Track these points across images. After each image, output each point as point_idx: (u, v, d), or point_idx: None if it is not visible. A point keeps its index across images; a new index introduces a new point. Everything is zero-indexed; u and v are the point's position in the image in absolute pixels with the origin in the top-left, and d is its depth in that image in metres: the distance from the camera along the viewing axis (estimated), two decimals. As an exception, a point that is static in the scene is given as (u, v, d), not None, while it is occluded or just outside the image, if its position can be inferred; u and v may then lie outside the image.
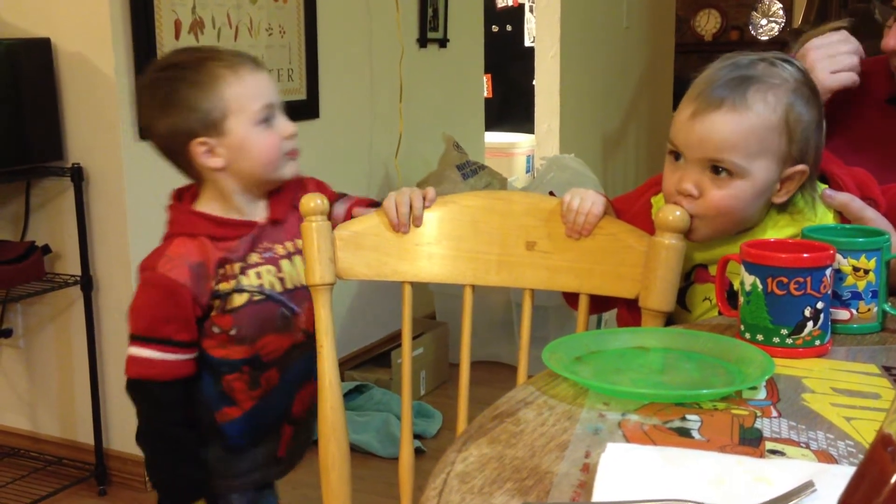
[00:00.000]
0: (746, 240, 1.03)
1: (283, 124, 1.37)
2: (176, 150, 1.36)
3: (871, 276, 0.99)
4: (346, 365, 3.01)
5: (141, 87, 1.41)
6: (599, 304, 1.21)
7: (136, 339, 1.34)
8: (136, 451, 2.41)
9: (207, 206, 1.38)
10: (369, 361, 3.11)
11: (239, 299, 1.36)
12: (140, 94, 1.44)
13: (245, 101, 1.32)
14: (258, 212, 1.40)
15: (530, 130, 4.70)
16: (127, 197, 2.30)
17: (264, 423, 1.43)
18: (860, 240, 1.00)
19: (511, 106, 5.41)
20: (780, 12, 7.05)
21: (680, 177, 1.09)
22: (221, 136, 1.32)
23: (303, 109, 2.86)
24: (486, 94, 5.45)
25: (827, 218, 1.13)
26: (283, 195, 1.42)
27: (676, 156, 1.10)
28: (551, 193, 3.32)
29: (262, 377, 1.40)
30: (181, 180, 1.43)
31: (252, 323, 1.37)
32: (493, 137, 5.07)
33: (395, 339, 3.15)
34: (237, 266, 1.36)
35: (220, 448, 1.42)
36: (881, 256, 0.99)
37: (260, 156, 1.34)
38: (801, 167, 1.08)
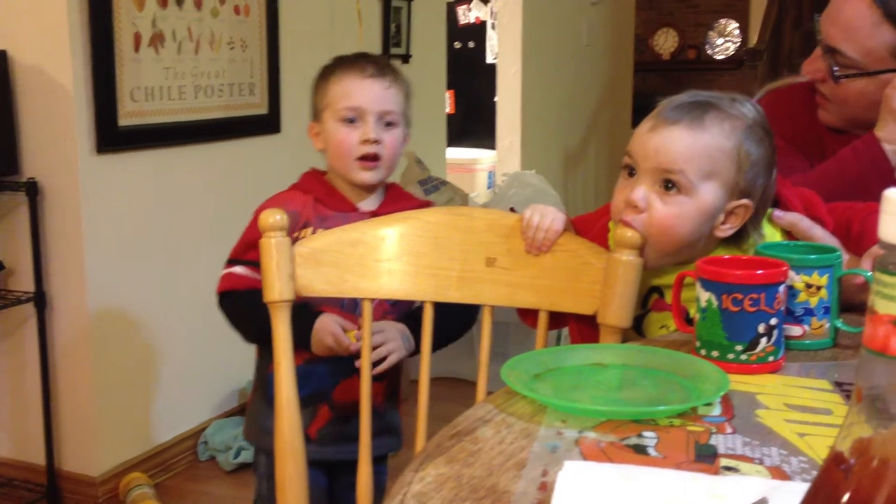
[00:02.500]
0: None
1: (364, 129, 1.48)
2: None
3: (824, 292, 1.01)
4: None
5: None
6: (553, 320, 1.22)
7: (228, 261, 1.51)
8: (89, 471, 2.39)
9: (332, 178, 1.54)
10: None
11: None
12: None
13: (337, 98, 1.48)
14: (368, 203, 1.53)
15: (492, 146, 4.72)
16: (83, 212, 2.26)
17: (303, 389, 1.44)
18: (812, 256, 1.01)
19: (473, 122, 5.43)
20: (736, 32, 7.17)
21: (630, 189, 1.10)
22: (321, 124, 1.52)
23: (264, 124, 2.85)
24: (448, 110, 5.48)
25: None
26: (400, 199, 1.54)
27: (630, 171, 1.12)
28: (512, 210, 3.33)
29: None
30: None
31: None
32: (456, 153, 5.09)
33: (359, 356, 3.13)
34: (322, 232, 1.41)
35: (263, 395, 1.52)
36: (833, 273, 1.01)
37: (335, 150, 1.50)
38: (746, 201, 1.09)
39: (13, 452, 2.48)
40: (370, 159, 1.48)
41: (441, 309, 1.27)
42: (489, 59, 5.54)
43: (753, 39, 6.30)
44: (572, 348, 1.00)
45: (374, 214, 1.48)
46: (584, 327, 1.20)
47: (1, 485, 2.42)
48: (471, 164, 5.21)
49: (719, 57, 7.20)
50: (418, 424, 1.24)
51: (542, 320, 1.21)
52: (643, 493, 0.66)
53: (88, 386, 2.36)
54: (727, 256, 1.04)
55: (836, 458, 0.43)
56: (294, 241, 1.36)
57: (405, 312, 1.49)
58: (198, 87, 2.56)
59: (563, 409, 0.85)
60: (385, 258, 1.25)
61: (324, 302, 1.43)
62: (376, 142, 1.47)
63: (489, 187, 5.20)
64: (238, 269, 1.49)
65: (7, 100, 2.23)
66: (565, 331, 1.27)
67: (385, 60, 1.58)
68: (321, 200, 1.52)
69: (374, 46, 3.36)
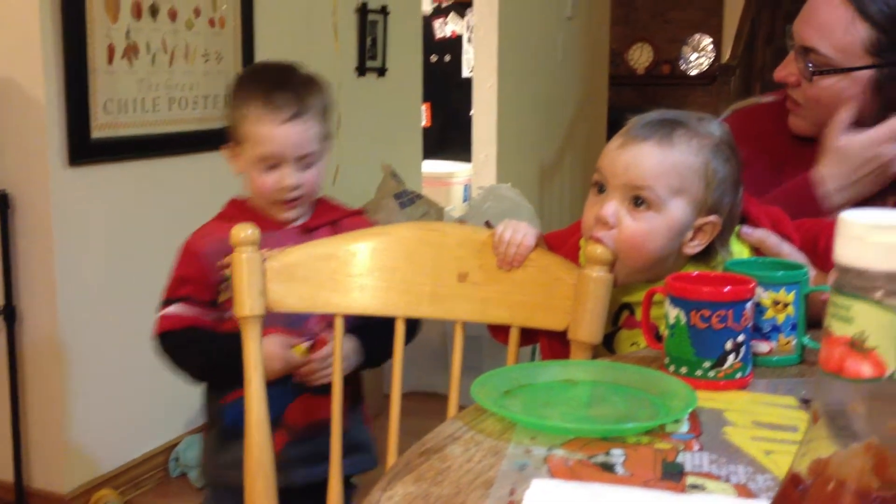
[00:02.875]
0: None
1: (283, 174, 1.44)
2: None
3: (791, 309, 1.01)
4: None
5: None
6: (524, 336, 1.22)
7: (162, 303, 1.46)
8: (58, 488, 2.36)
9: (255, 202, 1.51)
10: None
11: None
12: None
13: (254, 143, 1.43)
14: (298, 218, 1.50)
15: (468, 159, 4.73)
16: (55, 225, 2.24)
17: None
18: (780, 273, 1.02)
19: (449, 135, 5.45)
20: (710, 47, 7.24)
21: (601, 206, 1.11)
22: (238, 151, 1.48)
23: (238, 137, 2.84)
24: (424, 123, 5.49)
25: None
26: (330, 210, 1.53)
27: (600, 188, 1.13)
28: (487, 223, 3.34)
29: None
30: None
31: None
32: (432, 166, 5.10)
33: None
34: None
35: (218, 430, 1.49)
36: (800, 290, 1.02)
37: (254, 190, 1.48)
38: (713, 218, 1.11)
39: (-19, 468, 2.44)
40: (291, 200, 1.46)
41: (384, 323, 1.27)
42: (465, 73, 5.56)
43: (727, 55, 6.38)
44: (542, 365, 1.00)
45: (305, 228, 1.49)
46: (555, 343, 1.20)
47: (-32, 501, 2.39)
48: (447, 177, 5.22)
49: (693, 72, 7.27)
50: (389, 440, 1.24)
51: (514, 336, 1.21)
52: (610, 512, 0.67)
53: (58, 401, 2.33)
54: (696, 273, 1.05)
55: (793, 479, 0.43)
56: (227, 276, 1.38)
57: (356, 325, 1.45)
58: (172, 98, 2.55)
59: (532, 427, 0.85)
60: (357, 273, 1.25)
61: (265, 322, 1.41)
62: (293, 189, 1.45)
63: (465, 200, 5.21)
64: (172, 309, 1.45)
65: (-23, 111, 2.21)
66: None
67: (302, 88, 1.47)
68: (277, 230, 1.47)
69: (349, 59, 3.37)
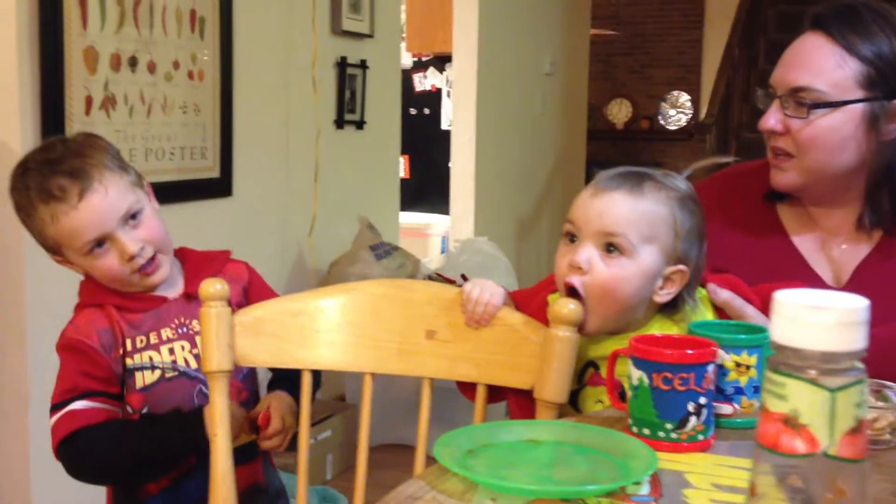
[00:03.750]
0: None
1: (118, 247, 1.30)
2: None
3: (753, 371, 1.03)
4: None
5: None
6: (492, 394, 1.22)
7: (56, 406, 1.32)
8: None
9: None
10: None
11: (150, 376, 1.34)
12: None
13: (66, 238, 1.30)
14: (172, 287, 1.39)
15: (447, 211, 4.76)
16: (26, 271, 2.23)
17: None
18: (742, 336, 1.04)
19: (428, 187, 5.48)
20: (688, 104, 7.36)
21: (574, 253, 1.13)
22: (67, 258, 1.35)
23: (215, 187, 2.85)
24: (403, 175, 5.53)
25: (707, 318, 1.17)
26: (202, 270, 1.39)
27: (571, 238, 1.15)
28: (463, 276, 3.35)
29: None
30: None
31: (166, 401, 1.34)
32: (410, 218, 5.12)
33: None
34: (144, 340, 1.34)
35: None
36: (762, 353, 1.03)
37: (104, 277, 1.34)
38: (682, 267, 1.13)
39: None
40: (147, 265, 1.33)
41: (288, 374, 1.28)
42: (444, 126, 5.61)
43: (704, 112, 6.49)
44: (507, 424, 1.01)
45: (188, 295, 1.38)
46: (523, 401, 1.21)
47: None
48: (424, 228, 5.24)
49: (672, 128, 7.38)
50: (356, 494, 1.24)
51: (481, 394, 1.21)
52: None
53: (27, 440, 2.30)
54: (659, 335, 1.06)
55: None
56: (122, 357, 1.32)
57: (278, 376, 1.43)
58: (149, 149, 2.56)
59: (493, 488, 0.85)
60: (326, 329, 1.25)
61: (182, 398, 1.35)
62: (139, 253, 1.31)
63: (443, 252, 5.22)
64: (80, 405, 1.30)
65: (-47, 159, 2.21)
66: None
67: (73, 158, 1.30)
68: (123, 307, 1.35)
69: (328, 112, 3.40)
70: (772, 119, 1.35)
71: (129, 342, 1.34)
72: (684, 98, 7.37)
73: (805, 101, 1.30)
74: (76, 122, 2.30)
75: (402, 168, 5.47)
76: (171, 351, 1.35)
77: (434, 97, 5.73)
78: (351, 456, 3.14)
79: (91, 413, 1.31)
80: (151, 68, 2.54)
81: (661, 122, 7.43)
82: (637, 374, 0.98)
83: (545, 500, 0.84)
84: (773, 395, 0.41)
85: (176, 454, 1.33)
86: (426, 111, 5.75)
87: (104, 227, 1.29)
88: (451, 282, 3.13)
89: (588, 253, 1.12)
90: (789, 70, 1.34)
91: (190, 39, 2.69)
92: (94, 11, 2.34)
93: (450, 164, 4.66)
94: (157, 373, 1.34)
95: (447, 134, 4.76)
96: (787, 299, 0.41)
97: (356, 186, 3.62)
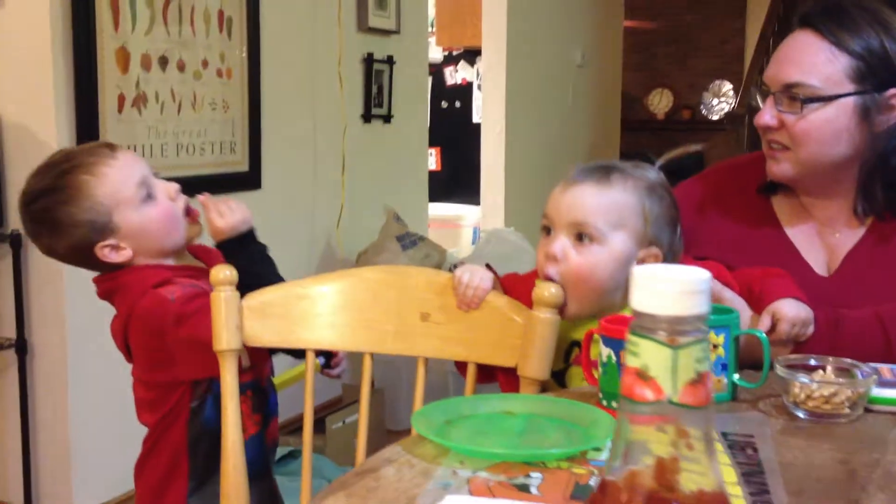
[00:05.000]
0: None
1: (164, 188, 1.43)
2: (85, 260, 1.43)
3: (721, 350, 1.09)
4: (282, 430, 3.05)
5: (25, 223, 1.43)
6: (484, 373, 1.30)
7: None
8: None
9: (165, 261, 1.45)
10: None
11: None
12: (27, 229, 1.43)
13: (117, 192, 1.37)
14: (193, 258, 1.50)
15: (479, 202, 4.84)
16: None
17: (266, 450, 1.49)
18: (711, 317, 1.10)
19: (460, 179, 5.56)
20: (731, 93, 7.32)
21: (548, 246, 1.20)
22: (118, 232, 1.39)
23: (244, 181, 2.96)
24: (435, 167, 5.61)
25: None
26: (217, 256, 1.48)
27: (548, 231, 1.23)
28: (487, 265, 3.42)
29: (259, 401, 1.47)
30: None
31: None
32: (441, 209, 5.21)
33: (331, 406, 3.20)
34: None
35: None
36: (730, 333, 1.10)
37: (160, 229, 1.41)
38: (654, 250, 1.20)
39: (-10, 496, 2.54)
40: (190, 212, 1.47)
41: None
42: (475, 119, 5.69)
43: (745, 102, 6.46)
44: (484, 397, 1.08)
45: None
46: (512, 379, 1.28)
47: (-24, 528, 2.48)
48: (456, 219, 5.32)
49: (715, 117, 7.33)
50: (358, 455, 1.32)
51: (471, 372, 1.29)
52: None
53: (66, 430, 2.43)
54: (629, 315, 1.13)
55: (602, 485, 0.51)
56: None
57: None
58: (179, 145, 2.68)
59: (462, 452, 0.93)
60: (327, 312, 1.34)
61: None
62: (177, 188, 1.45)
63: (474, 242, 5.30)
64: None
65: (-6, 156, 2.35)
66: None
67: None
68: (193, 276, 1.44)
69: (355, 107, 3.49)
70: (767, 115, 1.39)
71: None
72: (727, 87, 7.33)
73: (798, 97, 1.35)
74: (110, 120, 2.42)
75: (433, 160, 5.56)
76: None
77: (465, 91, 5.81)
78: (378, 438, 3.24)
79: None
80: (181, 67, 2.66)
81: (704, 111, 7.40)
82: (606, 352, 1.05)
83: (510, 463, 0.91)
84: (631, 353, 0.48)
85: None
86: (457, 104, 5.82)
87: (143, 170, 1.41)
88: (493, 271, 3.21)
89: (562, 243, 1.20)
90: (782, 67, 1.38)
91: (218, 38, 2.80)
92: (125, 14, 2.45)
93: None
94: None
95: (478, 127, 4.84)
96: (642, 272, 0.49)
97: (383, 179, 3.71)
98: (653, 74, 7.50)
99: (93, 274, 1.48)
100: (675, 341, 0.48)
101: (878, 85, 1.33)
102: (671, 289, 0.48)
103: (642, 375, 0.49)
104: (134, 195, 1.39)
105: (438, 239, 3.73)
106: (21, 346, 2.38)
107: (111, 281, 1.44)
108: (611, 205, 1.19)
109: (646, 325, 0.49)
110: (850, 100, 1.34)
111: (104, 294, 1.47)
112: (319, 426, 3.08)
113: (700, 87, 7.42)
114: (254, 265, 1.41)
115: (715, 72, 7.37)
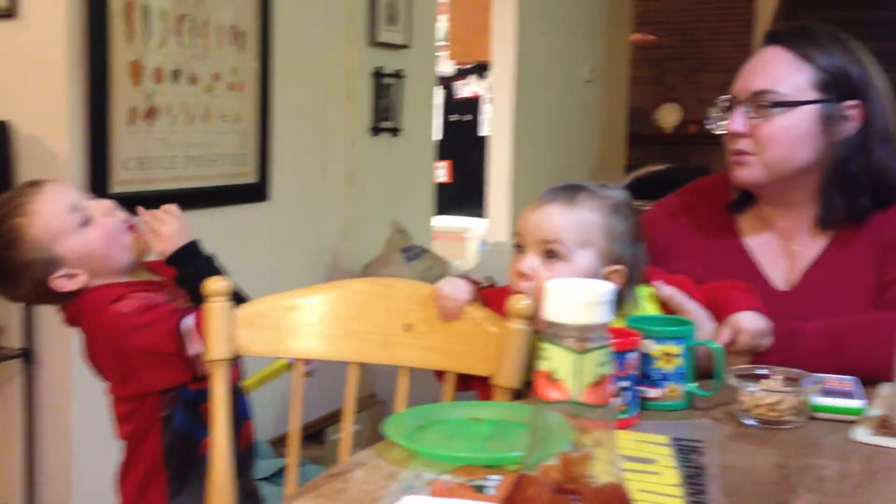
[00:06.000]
0: None
1: (98, 208, 1.46)
2: (49, 297, 1.48)
3: (679, 360, 1.15)
4: (283, 443, 3.10)
5: None
6: (463, 382, 1.36)
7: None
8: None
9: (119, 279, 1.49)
10: (304, 439, 3.21)
11: None
12: None
13: (50, 225, 1.41)
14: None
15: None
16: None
17: (239, 452, 1.51)
18: (670, 328, 1.16)
19: (470, 191, 5.62)
20: (737, 108, 7.33)
21: (519, 263, 1.27)
22: (65, 261, 1.43)
23: (253, 192, 3.03)
24: (445, 180, 5.67)
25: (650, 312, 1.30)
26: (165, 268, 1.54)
27: (520, 249, 1.29)
28: (487, 279, 3.48)
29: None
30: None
31: None
32: (449, 221, 5.27)
33: (329, 419, 3.26)
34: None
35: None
36: (687, 343, 1.15)
37: (104, 247, 1.46)
38: (619, 266, 1.25)
39: (-4, 501, 2.61)
40: (128, 225, 1.50)
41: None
42: (484, 132, 5.76)
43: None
44: (455, 404, 1.15)
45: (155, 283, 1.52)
46: (488, 387, 1.34)
47: (-16, 530, 2.55)
48: (462, 232, 5.38)
49: (721, 132, 7.35)
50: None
51: (449, 380, 1.35)
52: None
53: (69, 440, 2.49)
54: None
55: (519, 479, 0.57)
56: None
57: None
58: (189, 157, 2.75)
59: (429, 456, 0.99)
60: (315, 322, 1.40)
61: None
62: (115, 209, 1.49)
63: (481, 254, 5.36)
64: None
65: (7, 167, 2.42)
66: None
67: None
68: (150, 290, 1.50)
69: (364, 120, 3.56)
70: (735, 122, 1.47)
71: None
72: (736, 103, 7.35)
73: (765, 103, 1.43)
74: (120, 133, 2.49)
75: (443, 173, 5.62)
76: None
77: (474, 104, 5.88)
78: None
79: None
80: (193, 80, 2.73)
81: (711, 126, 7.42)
82: (571, 362, 1.10)
83: (474, 466, 0.97)
84: (542, 358, 0.54)
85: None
86: (467, 117, 5.90)
87: (71, 196, 1.45)
88: (477, 283, 3.26)
89: (531, 261, 1.26)
90: (750, 77, 1.47)
91: (231, 52, 2.87)
92: (139, 27, 2.53)
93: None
94: None
95: (486, 140, 4.91)
96: (553, 286, 0.54)
97: (390, 192, 3.78)
98: (663, 89, 7.55)
99: None
100: (583, 347, 0.54)
101: (839, 96, 1.42)
102: (578, 300, 0.54)
103: (551, 378, 0.54)
104: (67, 223, 1.42)
105: (444, 251, 3.79)
106: (27, 356, 2.45)
107: (71, 306, 1.49)
108: (577, 223, 1.25)
109: (556, 333, 0.55)
110: (814, 107, 1.42)
111: (70, 321, 1.52)
112: (318, 437, 3.14)
113: (708, 102, 7.42)
114: (202, 276, 1.43)
115: (723, 87, 7.38)
